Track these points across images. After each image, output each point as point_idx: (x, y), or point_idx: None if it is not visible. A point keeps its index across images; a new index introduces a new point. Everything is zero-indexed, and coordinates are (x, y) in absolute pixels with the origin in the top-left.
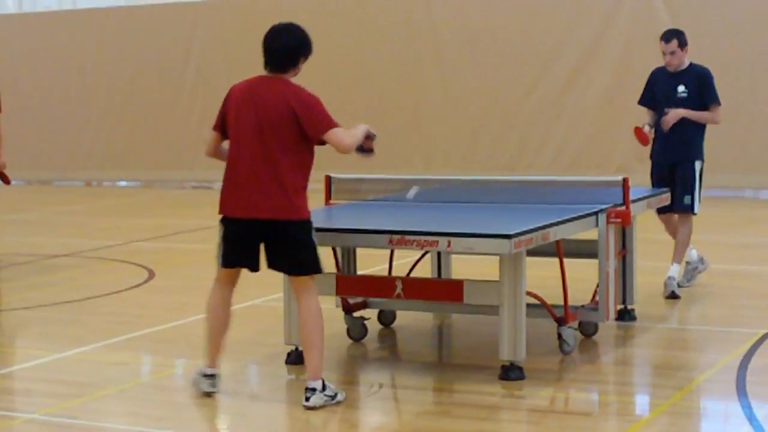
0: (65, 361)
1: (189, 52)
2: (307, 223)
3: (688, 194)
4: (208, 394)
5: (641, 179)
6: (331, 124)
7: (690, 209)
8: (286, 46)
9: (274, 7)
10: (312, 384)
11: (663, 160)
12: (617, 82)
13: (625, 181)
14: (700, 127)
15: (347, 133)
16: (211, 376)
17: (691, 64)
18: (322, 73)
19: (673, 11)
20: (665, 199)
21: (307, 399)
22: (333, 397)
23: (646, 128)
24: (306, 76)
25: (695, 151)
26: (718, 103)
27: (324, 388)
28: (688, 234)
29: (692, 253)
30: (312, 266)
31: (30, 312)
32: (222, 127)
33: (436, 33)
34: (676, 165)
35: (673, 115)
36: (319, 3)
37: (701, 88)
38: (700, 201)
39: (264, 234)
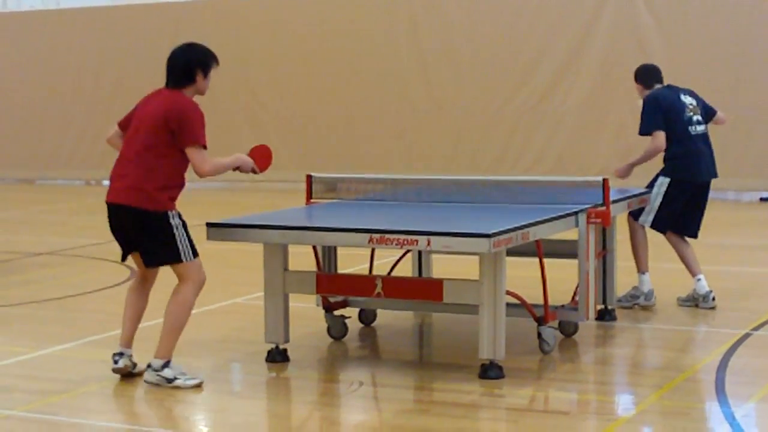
0: (46, 358)
1: None
2: (164, 215)
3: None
4: (124, 372)
5: (623, 181)
6: (197, 142)
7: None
8: (176, 65)
9: (258, 8)
10: (152, 361)
11: None
12: (599, 86)
13: (605, 181)
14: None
15: (206, 160)
16: (119, 354)
17: None
18: (311, 80)
19: (656, 15)
20: (645, 200)
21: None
22: (171, 380)
23: None
24: (297, 83)
25: (663, 168)
26: (646, 133)
27: (164, 368)
28: (676, 249)
29: (644, 278)
30: (166, 257)
31: (11, 309)
32: (125, 124)
33: (419, 41)
34: None
35: (622, 171)
36: (309, 13)
37: None
38: (654, 216)
39: (121, 221)
